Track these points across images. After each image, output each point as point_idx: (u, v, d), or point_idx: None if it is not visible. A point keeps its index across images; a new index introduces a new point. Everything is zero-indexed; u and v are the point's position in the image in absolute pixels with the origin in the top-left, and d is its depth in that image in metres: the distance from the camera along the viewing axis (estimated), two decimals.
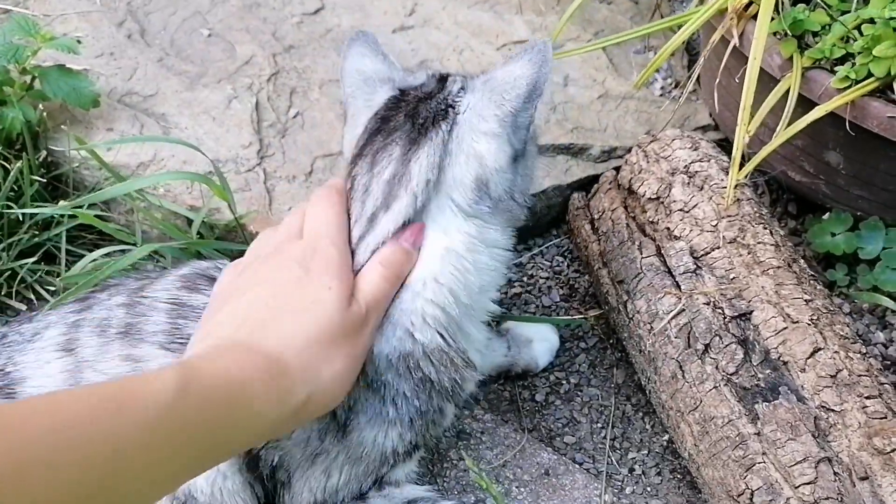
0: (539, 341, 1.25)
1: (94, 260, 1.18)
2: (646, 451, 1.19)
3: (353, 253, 0.95)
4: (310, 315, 0.83)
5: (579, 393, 1.24)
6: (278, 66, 1.43)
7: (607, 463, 1.17)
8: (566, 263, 1.38)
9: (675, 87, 1.51)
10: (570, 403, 1.23)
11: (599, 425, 1.21)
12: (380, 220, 0.94)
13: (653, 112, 1.46)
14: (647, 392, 1.17)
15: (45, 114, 1.27)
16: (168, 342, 0.97)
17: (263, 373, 0.76)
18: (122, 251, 1.21)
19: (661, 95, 1.50)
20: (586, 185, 1.37)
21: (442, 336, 0.98)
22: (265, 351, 0.78)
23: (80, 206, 1.20)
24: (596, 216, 1.29)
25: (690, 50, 1.56)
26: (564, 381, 1.25)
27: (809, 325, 1.05)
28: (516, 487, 1.13)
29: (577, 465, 1.16)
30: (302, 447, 1.00)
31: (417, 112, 0.97)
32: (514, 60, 0.99)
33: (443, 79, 1.02)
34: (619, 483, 1.15)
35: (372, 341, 0.92)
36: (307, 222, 0.93)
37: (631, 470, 1.17)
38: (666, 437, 1.19)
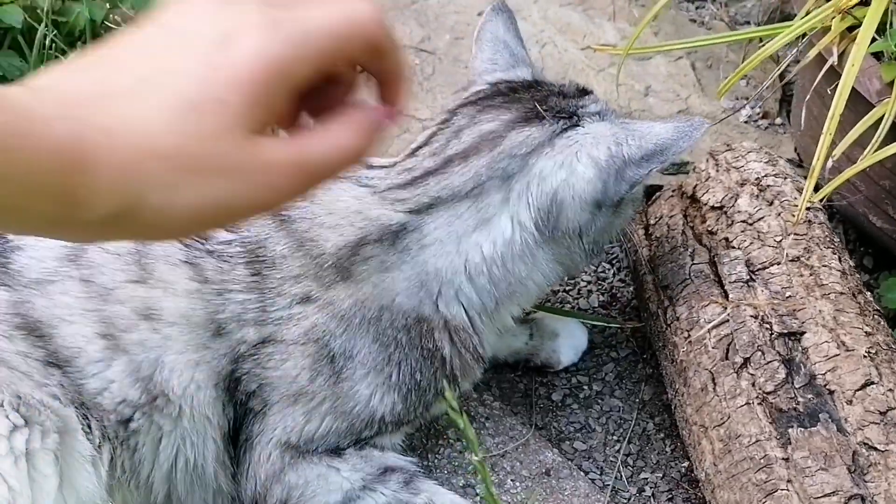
0: (565, 337, 1.16)
1: None
2: (661, 474, 1.07)
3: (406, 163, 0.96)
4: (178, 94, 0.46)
5: (600, 401, 1.14)
6: None
7: (616, 477, 1.06)
8: (612, 272, 1.29)
9: (763, 117, 1.42)
10: (587, 410, 1.13)
11: (615, 438, 1.10)
12: (454, 169, 0.93)
13: (733, 136, 1.37)
14: (673, 407, 1.06)
15: (116, 18, 1.26)
16: None
17: (50, 161, 0.44)
18: None
19: (746, 122, 1.41)
20: (649, 195, 1.28)
21: (469, 316, 0.95)
22: (80, 132, 0.44)
23: None
24: (652, 222, 1.20)
25: (784, 84, 1.47)
26: (586, 387, 1.15)
27: (865, 356, 0.94)
28: (511, 480, 1.03)
29: (582, 473, 1.05)
30: (287, 382, 0.93)
31: (546, 101, 0.97)
32: (665, 121, 0.98)
33: (585, 92, 1.02)
34: (625, 501, 1.04)
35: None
36: None
37: (641, 490, 1.06)
38: (686, 463, 1.07)
